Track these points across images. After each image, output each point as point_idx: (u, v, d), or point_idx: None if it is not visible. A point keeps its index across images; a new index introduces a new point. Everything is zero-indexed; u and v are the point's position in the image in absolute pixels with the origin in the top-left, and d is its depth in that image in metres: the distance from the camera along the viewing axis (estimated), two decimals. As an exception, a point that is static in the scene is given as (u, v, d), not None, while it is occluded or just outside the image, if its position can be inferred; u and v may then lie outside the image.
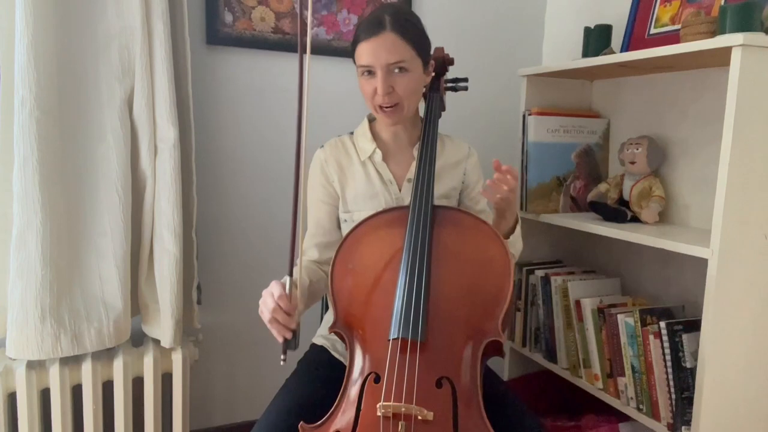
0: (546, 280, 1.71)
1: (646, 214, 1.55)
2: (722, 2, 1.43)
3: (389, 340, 1.04)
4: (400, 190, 1.30)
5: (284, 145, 1.80)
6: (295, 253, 1.02)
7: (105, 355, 1.50)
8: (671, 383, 1.33)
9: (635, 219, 1.58)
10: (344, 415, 1.01)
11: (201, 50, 1.68)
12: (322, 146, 1.34)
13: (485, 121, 2.06)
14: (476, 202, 1.38)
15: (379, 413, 0.97)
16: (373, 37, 1.17)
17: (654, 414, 1.39)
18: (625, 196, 1.64)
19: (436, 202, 1.21)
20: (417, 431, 0.96)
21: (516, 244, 1.32)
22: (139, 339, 1.62)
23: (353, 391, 1.03)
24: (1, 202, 1.42)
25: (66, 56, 1.39)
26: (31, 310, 1.36)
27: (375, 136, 1.32)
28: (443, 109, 1.40)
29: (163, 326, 1.52)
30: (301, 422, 1.02)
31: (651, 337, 1.38)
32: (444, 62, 1.40)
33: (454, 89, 1.43)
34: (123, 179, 1.45)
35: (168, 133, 1.46)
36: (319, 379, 1.21)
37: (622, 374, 1.47)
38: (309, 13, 0.96)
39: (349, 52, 1.80)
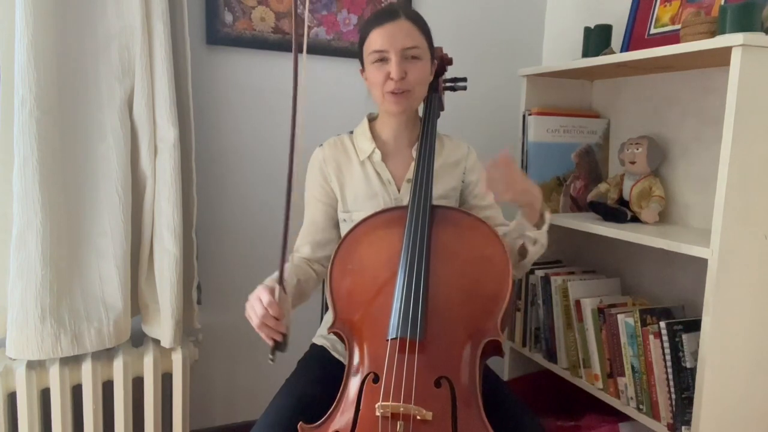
0: (546, 280, 1.71)
1: (646, 214, 1.55)
2: (722, 2, 1.43)
3: (388, 340, 1.04)
4: (399, 191, 1.30)
5: (284, 144, 1.77)
6: (285, 257, 1.02)
7: (105, 355, 1.50)
8: (671, 383, 1.33)
9: (635, 219, 1.58)
10: (343, 415, 1.01)
11: (201, 50, 1.68)
12: (321, 145, 1.34)
13: (485, 121, 2.06)
14: (481, 198, 1.37)
15: (378, 413, 0.97)
16: (388, 23, 1.19)
17: (654, 414, 1.39)
18: (625, 196, 1.64)
19: (435, 202, 1.21)
20: (416, 431, 0.96)
21: (545, 234, 1.22)
22: (139, 339, 1.62)
23: (352, 391, 1.03)
24: (1, 202, 1.42)
25: (66, 56, 1.40)
26: (31, 310, 1.36)
27: (374, 135, 1.32)
28: (442, 108, 1.40)
29: (163, 326, 1.52)
30: (301, 422, 1.02)
31: (651, 337, 1.37)
32: (443, 62, 1.40)
33: (453, 89, 1.43)
34: (123, 179, 1.45)
35: (168, 133, 1.47)
36: (319, 379, 1.21)
37: (622, 374, 1.47)
38: (306, 12, 0.96)
39: (349, 52, 1.82)
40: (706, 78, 1.53)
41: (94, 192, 1.45)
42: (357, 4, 1.82)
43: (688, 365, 1.31)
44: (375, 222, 1.19)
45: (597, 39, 1.67)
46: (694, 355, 1.29)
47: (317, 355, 1.32)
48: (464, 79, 1.42)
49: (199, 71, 1.67)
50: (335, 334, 1.11)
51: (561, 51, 2.05)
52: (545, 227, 1.22)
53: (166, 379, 1.56)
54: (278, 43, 1.74)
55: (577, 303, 1.60)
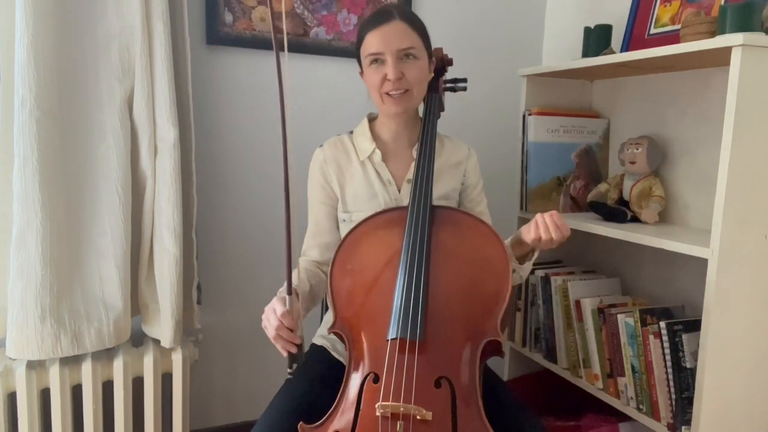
0: (546, 280, 1.71)
1: (646, 214, 1.55)
2: (722, 2, 1.43)
3: (388, 341, 1.04)
4: (399, 191, 1.30)
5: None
6: (291, 265, 1.02)
7: (105, 355, 1.50)
8: (671, 383, 1.33)
9: (635, 219, 1.58)
10: (343, 416, 1.01)
11: (201, 50, 1.68)
12: (321, 146, 1.34)
13: (485, 121, 2.06)
14: (476, 203, 1.38)
15: (378, 413, 0.97)
16: (382, 25, 1.19)
17: (654, 414, 1.39)
18: (625, 196, 1.64)
19: (436, 202, 1.21)
20: (416, 431, 0.96)
21: (527, 269, 1.26)
22: (139, 339, 1.62)
23: (352, 391, 1.03)
24: (1, 202, 1.42)
25: (66, 56, 1.40)
26: (31, 310, 1.36)
27: (375, 135, 1.32)
28: (442, 109, 1.40)
29: (163, 326, 1.52)
30: (301, 422, 1.02)
31: (651, 337, 1.37)
32: (443, 62, 1.40)
33: (453, 89, 1.43)
34: (123, 179, 1.45)
35: (168, 133, 1.46)
36: (319, 380, 1.21)
37: (622, 374, 1.47)
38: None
39: (349, 52, 1.82)
40: (706, 78, 1.53)
41: (94, 192, 1.45)
42: (357, 4, 1.82)
43: (688, 365, 1.31)
44: (375, 222, 1.19)
45: (597, 39, 1.67)
46: (694, 355, 1.29)
47: (317, 355, 1.32)
48: (464, 80, 1.42)
49: (199, 71, 1.67)
50: (335, 334, 1.11)
51: (561, 51, 2.05)
52: (528, 264, 1.24)
53: (166, 379, 1.56)
54: (278, 43, 1.74)
55: (577, 303, 1.60)
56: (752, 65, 1.17)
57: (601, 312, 1.53)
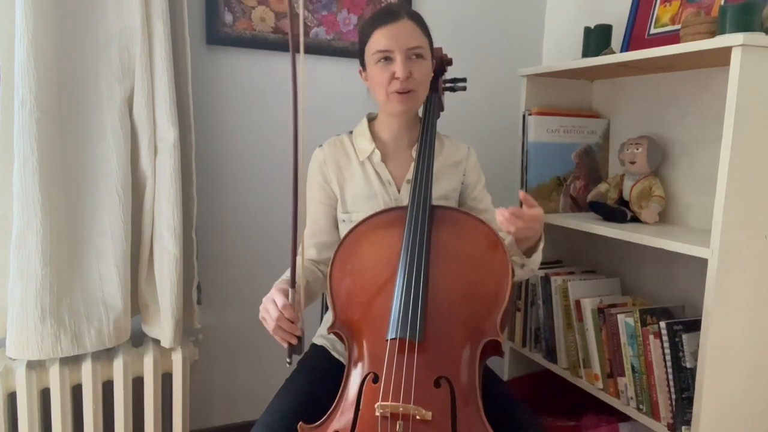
0: (546, 280, 1.71)
1: (646, 214, 1.55)
2: (722, 2, 1.43)
3: (387, 341, 1.04)
4: (399, 191, 1.30)
5: (284, 144, 1.80)
6: (296, 258, 1.02)
7: (105, 355, 1.50)
8: (671, 383, 1.33)
9: (635, 219, 1.58)
10: (343, 416, 1.01)
11: (201, 50, 1.68)
12: (321, 146, 1.34)
13: (485, 121, 2.06)
14: (479, 201, 1.37)
15: (377, 413, 0.97)
16: (392, 23, 1.19)
17: (654, 414, 1.39)
18: (625, 196, 1.64)
19: (435, 202, 1.21)
20: (415, 431, 0.96)
21: (536, 261, 1.23)
22: (139, 339, 1.62)
23: (352, 391, 1.03)
24: (1, 202, 1.42)
25: (66, 56, 1.40)
26: (31, 310, 1.36)
27: (374, 136, 1.32)
28: (441, 109, 1.40)
29: (163, 326, 1.52)
30: (301, 422, 1.02)
31: (651, 337, 1.37)
32: (443, 62, 1.40)
33: (453, 89, 1.43)
34: (123, 179, 1.45)
35: (168, 133, 1.47)
36: (319, 379, 1.21)
37: (622, 374, 1.47)
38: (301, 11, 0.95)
39: (349, 52, 1.82)
40: (706, 78, 1.53)
41: (94, 192, 1.45)
42: (357, 4, 1.82)
43: (688, 365, 1.31)
44: (375, 222, 1.19)
45: (597, 39, 1.67)
46: (694, 355, 1.29)
47: (317, 355, 1.32)
48: (464, 80, 1.42)
49: (199, 71, 1.67)
50: (335, 334, 1.11)
51: (561, 51, 2.05)
52: (535, 256, 1.21)
53: (166, 379, 1.56)
54: (278, 43, 1.74)
55: (577, 303, 1.60)
56: (752, 65, 1.17)
57: (601, 312, 1.53)
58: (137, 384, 1.53)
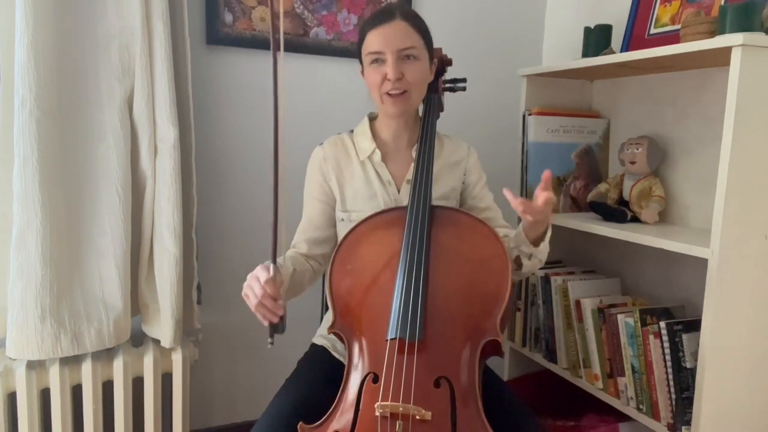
0: (546, 280, 1.71)
1: (646, 214, 1.55)
2: (722, 2, 1.43)
3: (387, 341, 1.04)
4: (398, 191, 1.30)
5: (284, 144, 1.79)
6: (277, 238, 1.02)
7: (105, 355, 1.50)
8: (671, 383, 1.33)
9: (635, 219, 1.58)
10: (343, 416, 1.01)
11: (201, 50, 1.68)
12: (321, 144, 1.34)
13: (485, 121, 2.06)
14: (480, 200, 1.37)
15: (377, 413, 0.97)
16: (383, 24, 1.19)
17: (654, 414, 1.39)
18: (625, 196, 1.64)
19: (436, 202, 1.21)
20: (415, 431, 0.96)
21: (544, 251, 1.22)
22: (139, 339, 1.62)
23: (352, 391, 1.03)
24: (1, 202, 1.42)
25: (66, 56, 1.40)
26: (31, 310, 1.36)
27: (375, 135, 1.32)
28: (441, 109, 1.40)
29: (163, 326, 1.52)
30: (301, 422, 1.02)
31: (651, 337, 1.37)
32: (442, 62, 1.40)
33: (452, 90, 1.43)
34: (123, 179, 1.45)
35: (168, 133, 1.47)
36: (319, 379, 1.21)
37: (622, 374, 1.47)
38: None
39: (349, 52, 1.82)
40: (706, 78, 1.52)
41: (94, 192, 1.45)
42: (357, 4, 1.82)
43: (688, 365, 1.31)
44: (375, 222, 1.19)
45: (597, 39, 1.67)
46: (694, 355, 1.29)
47: (317, 355, 1.32)
48: (464, 80, 1.42)
49: (199, 71, 1.67)
50: (335, 334, 1.12)
51: (561, 51, 2.05)
52: (543, 245, 1.20)
53: (166, 379, 1.56)
54: (275, 43, 1.74)
55: (577, 303, 1.60)
56: (752, 65, 1.17)
57: (601, 312, 1.53)
58: (137, 384, 1.53)
